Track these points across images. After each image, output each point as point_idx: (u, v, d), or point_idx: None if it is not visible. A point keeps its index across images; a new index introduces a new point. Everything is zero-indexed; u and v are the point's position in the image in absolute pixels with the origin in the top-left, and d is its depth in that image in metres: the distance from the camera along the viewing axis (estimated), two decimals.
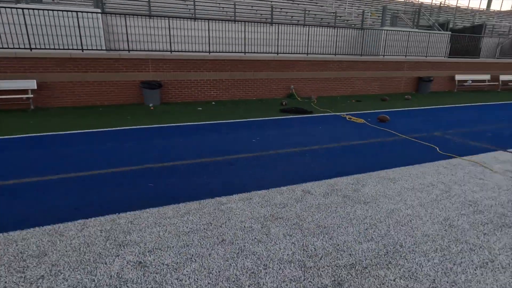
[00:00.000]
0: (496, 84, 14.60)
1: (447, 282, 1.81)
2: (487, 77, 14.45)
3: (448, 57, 14.70)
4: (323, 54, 11.51)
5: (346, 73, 11.87)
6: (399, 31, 12.96)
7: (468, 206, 2.77)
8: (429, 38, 13.53)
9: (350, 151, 4.49)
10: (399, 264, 1.97)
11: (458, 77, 13.83)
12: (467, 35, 15.84)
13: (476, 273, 1.89)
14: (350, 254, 2.07)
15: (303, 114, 7.75)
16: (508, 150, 4.61)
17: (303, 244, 2.17)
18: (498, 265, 1.97)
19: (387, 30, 12.66)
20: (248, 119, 6.78)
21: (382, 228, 2.39)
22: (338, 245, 2.18)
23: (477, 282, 1.82)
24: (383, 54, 12.73)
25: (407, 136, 5.41)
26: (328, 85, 11.70)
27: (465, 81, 13.93)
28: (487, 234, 2.31)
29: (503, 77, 14.79)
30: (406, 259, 2.03)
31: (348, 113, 7.87)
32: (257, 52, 10.38)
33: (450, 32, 14.94)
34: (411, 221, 2.51)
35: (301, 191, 3.08)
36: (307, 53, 11.33)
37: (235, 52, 10.06)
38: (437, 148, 4.63)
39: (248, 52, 10.19)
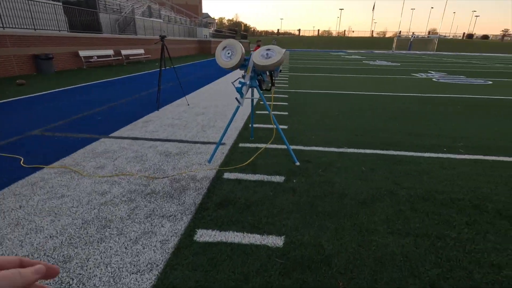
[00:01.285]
0: (120, 58, 15.70)
1: None
2: (111, 52, 15.07)
3: (69, 32, 13.46)
4: None
5: None
6: None
7: None
8: (30, 7, 11.22)
9: None
10: None
11: (83, 53, 13.16)
12: (82, 8, 15.17)
13: None
14: None
15: None
16: (111, 135, 4.27)
17: None
18: None
19: None
20: None
21: None
22: None
23: None
24: None
25: None
26: None
27: (91, 57, 13.59)
28: None
29: (124, 52, 16.16)
30: None
31: None
32: None
33: (61, 3, 13.46)
34: None
35: None
36: None
37: None
38: (22, 160, 3.31)
39: None
